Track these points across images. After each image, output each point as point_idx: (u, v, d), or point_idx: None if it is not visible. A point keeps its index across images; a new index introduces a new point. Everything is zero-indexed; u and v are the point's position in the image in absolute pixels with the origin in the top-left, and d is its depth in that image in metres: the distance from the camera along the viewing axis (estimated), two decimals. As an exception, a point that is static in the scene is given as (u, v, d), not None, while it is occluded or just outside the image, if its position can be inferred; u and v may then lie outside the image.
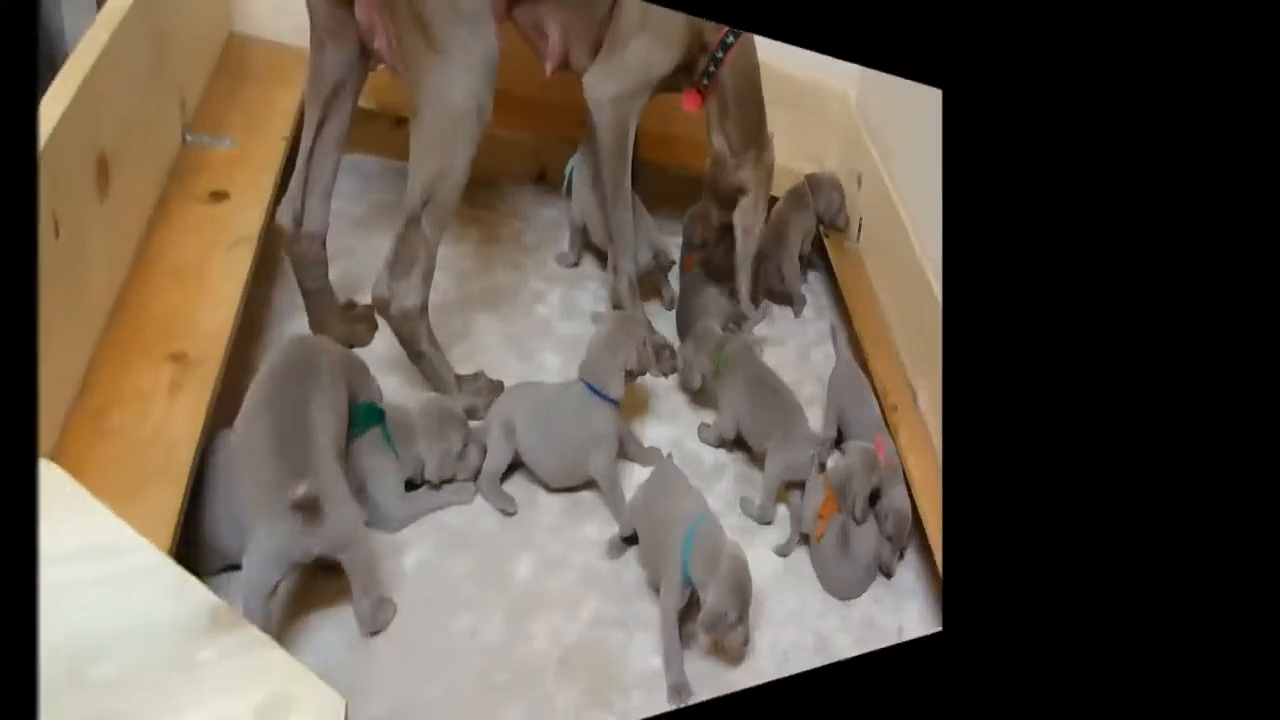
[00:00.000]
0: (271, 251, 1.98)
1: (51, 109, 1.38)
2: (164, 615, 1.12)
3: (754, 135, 2.32)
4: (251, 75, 2.15)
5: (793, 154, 2.81)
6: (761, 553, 2.02)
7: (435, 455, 1.79)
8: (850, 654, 1.93)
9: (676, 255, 2.55)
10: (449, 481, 1.86)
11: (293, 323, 1.97)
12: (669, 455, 1.99)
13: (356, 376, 1.74)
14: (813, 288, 2.83)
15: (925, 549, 2.13)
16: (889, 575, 2.12)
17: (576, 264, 2.47)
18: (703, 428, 2.23)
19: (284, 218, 1.87)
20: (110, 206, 1.56)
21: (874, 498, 2.10)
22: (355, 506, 1.55)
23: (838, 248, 2.80)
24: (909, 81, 2.23)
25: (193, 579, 1.15)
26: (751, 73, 2.28)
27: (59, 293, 1.37)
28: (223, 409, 1.56)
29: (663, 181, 2.61)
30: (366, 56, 1.87)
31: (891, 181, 2.62)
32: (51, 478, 1.19)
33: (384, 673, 1.58)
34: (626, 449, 2.06)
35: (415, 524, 1.80)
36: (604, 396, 1.94)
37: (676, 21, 2.13)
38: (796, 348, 2.60)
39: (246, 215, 1.82)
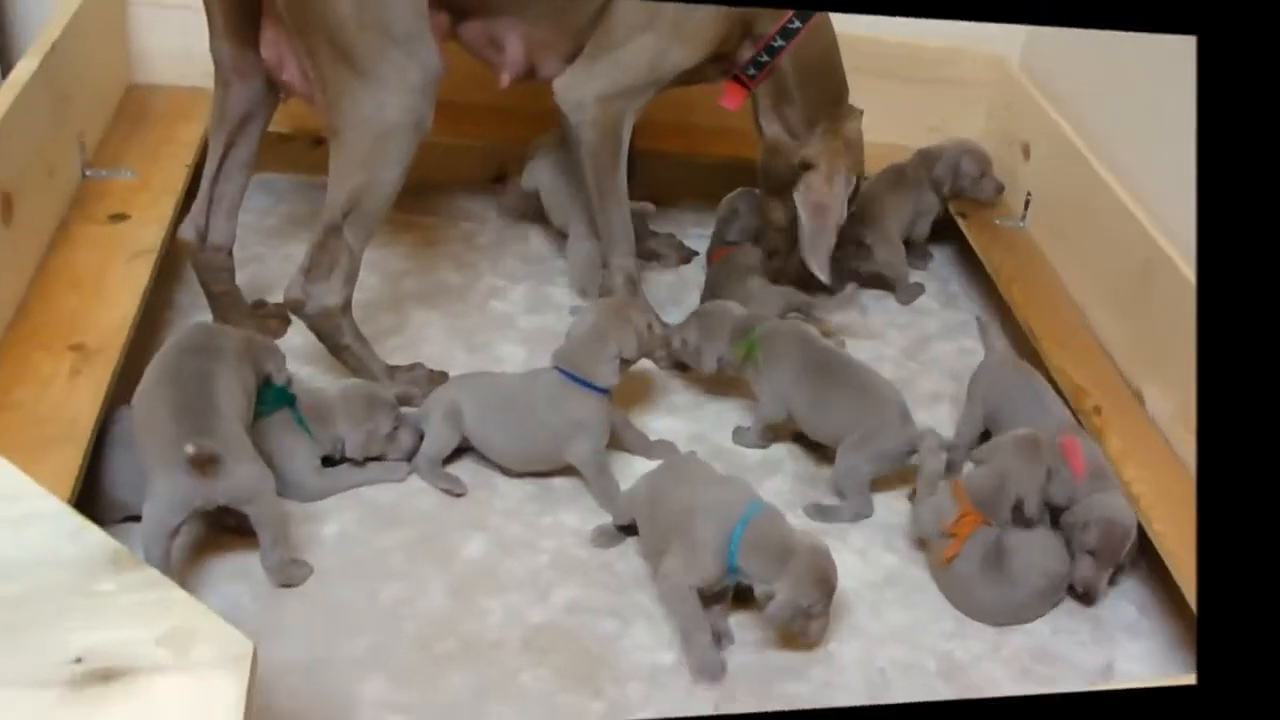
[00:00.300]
0: (175, 264, 2.15)
1: (-41, 160, 1.65)
2: (65, 553, 1.22)
3: (823, 112, 2.24)
4: (152, 116, 2.36)
5: (917, 128, 2.75)
6: (844, 557, 1.82)
7: (359, 434, 1.85)
8: (1007, 689, 1.73)
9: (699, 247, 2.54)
10: (376, 459, 1.90)
11: (197, 318, 2.08)
12: (692, 453, 1.93)
13: (263, 356, 1.82)
14: (938, 273, 2.69)
15: (1155, 576, 1.91)
16: (1089, 600, 1.86)
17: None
18: (739, 431, 2.11)
19: (186, 233, 2.01)
20: (14, 231, 1.81)
21: (1053, 507, 1.91)
22: (260, 464, 1.66)
23: (981, 228, 2.61)
24: (1102, 33, 2.22)
25: (93, 526, 1.25)
26: (822, 56, 2.22)
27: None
28: (123, 391, 1.74)
29: (684, 170, 2.63)
30: (275, 90, 1.97)
31: (1090, 148, 2.44)
32: None
33: (297, 627, 1.64)
34: (623, 439, 2.02)
35: (338, 498, 1.84)
36: (587, 384, 1.91)
37: (702, 19, 2.09)
38: (907, 340, 2.44)
39: (146, 231, 2.02)
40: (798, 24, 2.14)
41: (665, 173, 2.56)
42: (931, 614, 1.84)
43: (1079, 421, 2.04)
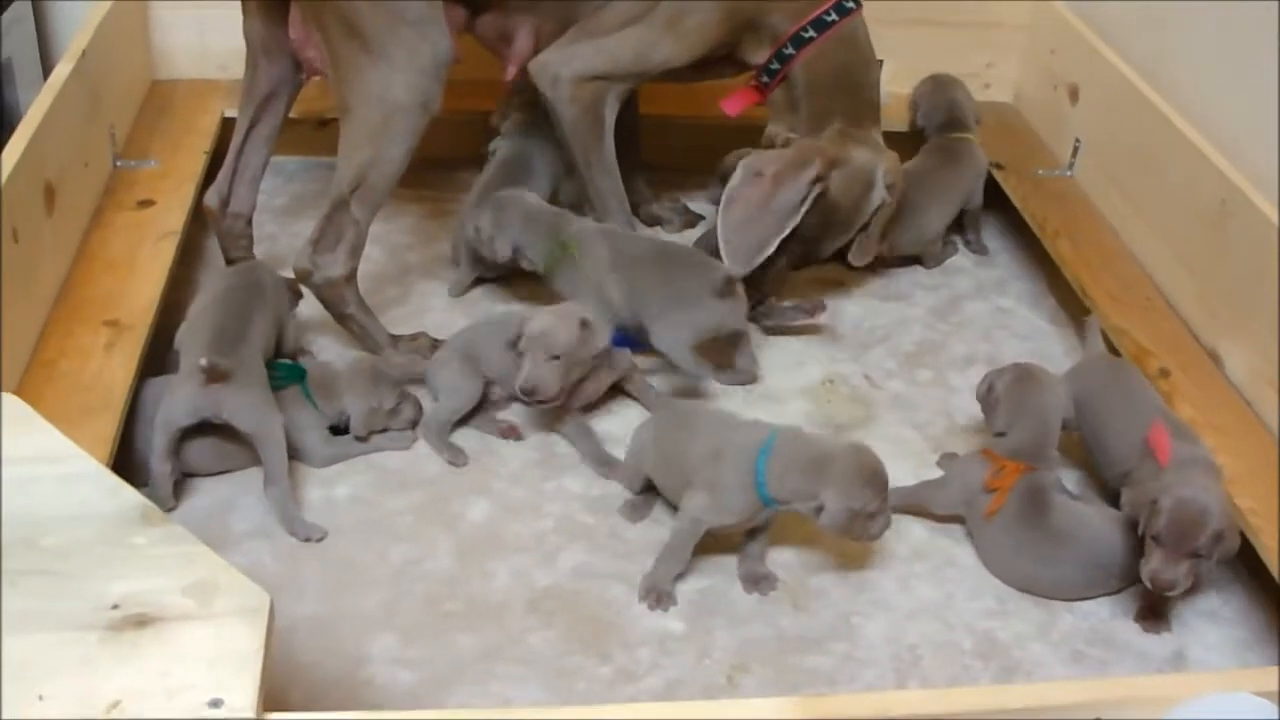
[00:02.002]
0: (196, 242, 2.31)
1: (10, 155, 1.81)
2: (102, 508, 1.32)
3: (836, 126, 2.17)
4: (174, 108, 2.51)
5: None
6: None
7: (362, 410, 1.93)
8: (1056, 673, 1.64)
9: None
10: (380, 433, 1.96)
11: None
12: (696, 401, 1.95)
13: (284, 300, 2.00)
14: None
15: (1241, 557, 1.72)
16: (1162, 598, 1.69)
17: (464, 293, 2.34)
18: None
19: (211, 200, 2.14)
20: (56, 219, 1.95)
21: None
22: (268, 396, 1.80)
23: (1020, 179, 2.50)
24: None
25: (127, 485, 1.35)
26: (840, 71, 2.17)
27: (17, 283, 1.77)
28: (151, 363, 1.90)
29: (690, 135, 2.60)
30: (299, 70, 2.07)
31: (1150, 84, 2.30)
32: (13, 406, 1.44)
33: (312, 583, 1.72)
34: (631, 385, 2.07)
35: (350, 463, 1.91)
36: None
37: (700, 21, 2.11)
38: (936, 300, 2.40)
39: (170, 215, 2.17)
40: (812, 33, 2.14)
41: (671, 138, 2.58)
42: (968, 591, 1.78)
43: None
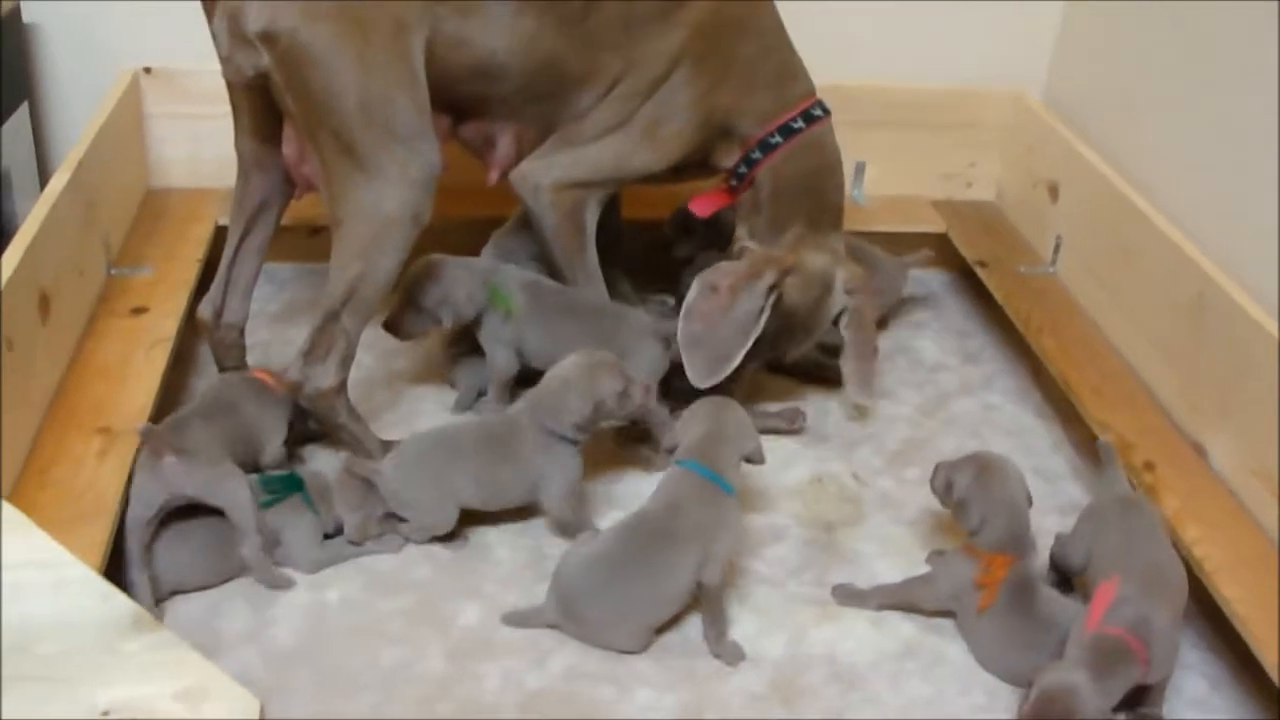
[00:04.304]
0: (190, 349, 2.33)
1: (7, 264, 1.84)
2: (95, 614, 1.35)
3: (794, 232, 2.22)
4: (167, 217, 2.55)
5: (931, 177, 2.79)
6: (857, 626, 1.88)
7: (355, 519, 1.94)
8: None
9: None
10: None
11: None
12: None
13: (271, 410, 2.03)
14: (955, 327, 2.68)
15: (1229, 646, 1.83)
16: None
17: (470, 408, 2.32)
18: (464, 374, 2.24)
19: (204, 312, 2.16)
20: (51, 327, 1.98)
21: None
22: (231, 468, 1.84)
23: (1002, 277, 2.55)
24: (1130, 58, 2.18)
25: (119, 591, 1.39)
26: (805, 176, 2.22)
27: (12, 390, 1.79)
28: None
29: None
30: (290, 183, 2.10)
31: (1127, 181, 2.37)
32: (7, 512, 1.46)
33: (302, 688, 1.72)
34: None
35: (340, 566, 1.93)
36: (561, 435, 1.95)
37: (676, 129, 2.18)
38: (923, 398, 2.44)
39: (163, 323, 2.19)
40: (779, 139, 2.21)
41: (654, 241, 2.62)
42: (958, 686, 1.79)
43: (1131, 485, 1.95)
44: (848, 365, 2.21)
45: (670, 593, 1.82)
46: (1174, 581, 1.75)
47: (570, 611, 1.81)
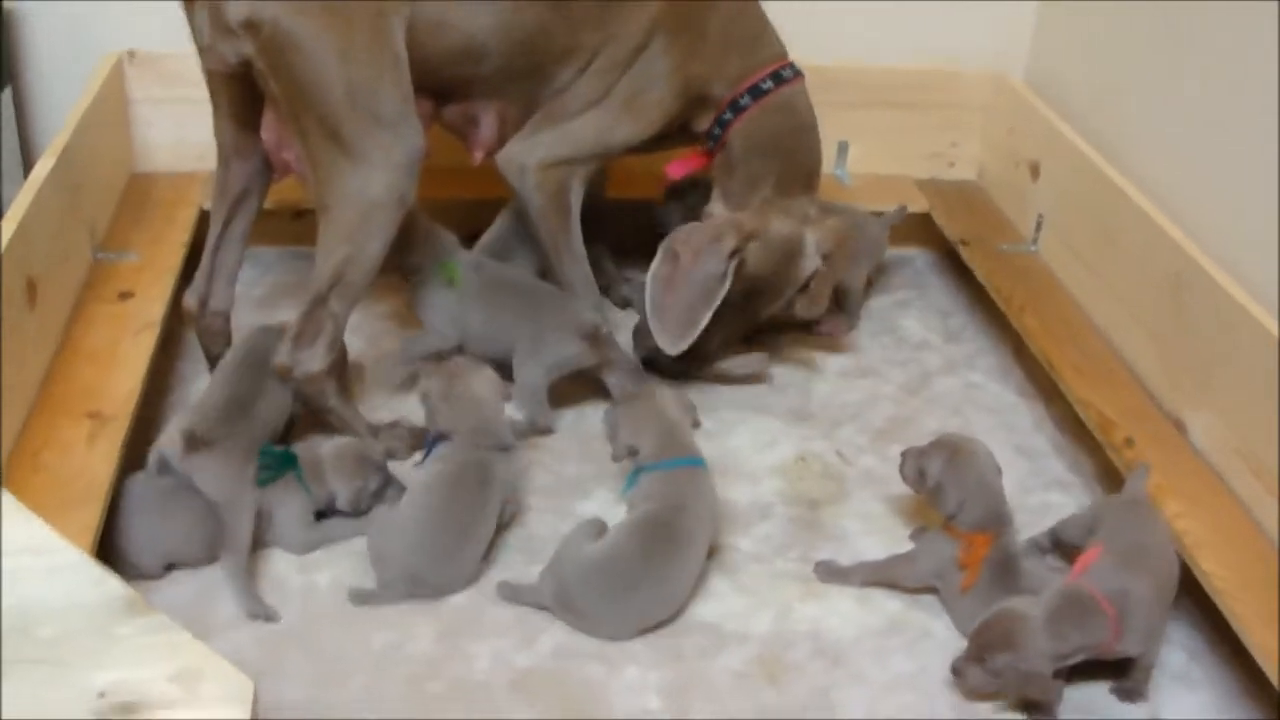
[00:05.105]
0: (176, 333, 2.33)
1: (-7, 252, 1.85)
2: (89, 598, 1.35)
3: (766, 191, 2.28)
4: (152, 202, 2.55)
5: (916, 157, 2.83)
6: (843, 604, 1.90)
7: (349, 491, 1.95)
8: None
9: None
10: (364, 513, 1.97)
11: (196, 386, 2.24)
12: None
13: None
14: (938, 305, 2.71)
15: (1207, 619, 1.85)
16: (961, 686, 1.72)
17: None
18: (408, 342, 2.25)
19: (190, 301, 2.17)
20: (38, 313, 1.99)
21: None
22: (246, 474, 1.87)
23: (985, 255, 2.57)
24: (1111, 37, 2.22)
25: (112, 575, 1.37)
26: (776, 137, 2.27)
27: (2, 375, 1.81)
28: (133, 454, 1.93)
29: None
30: (270, 168, 2.12)
31: (1108, 159, 2.39)
32: (5, 499, 1.44)
33: (295, 669, 1.73)
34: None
35: (331, 549, 1.94)
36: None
37: (654, 98, 2.22)
38: (907, 376, 2.46)
39: (150, 307, 2.20)
40: (748, 100, 2.26)
41: (638, 219, 2.63)
42: (943, 662, 1.77)
43: (1111, 459, 2.02)
44: (800, 303, 2.31)
45: (680, 594, 1.86)
46: (1164, 567, 1.77)
47: (571, 606, 1.83)
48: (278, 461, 1.96)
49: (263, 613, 1.83)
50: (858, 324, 2.61)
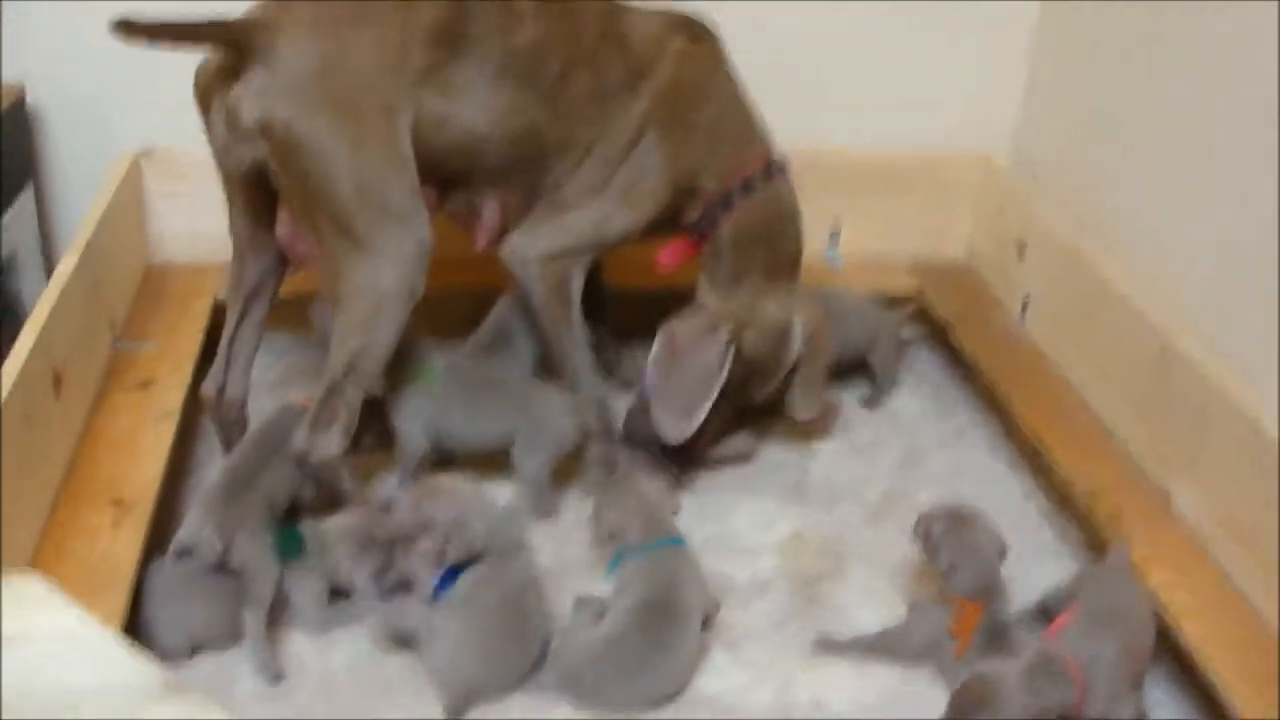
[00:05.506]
0: (194, 419, 2.41)
1: (22, 345, 1.93)
2: (124, 680, 1.37)
3: (753, 279, 2.35)
4: (169, 292, 2.64)
5: (906, 239, 2.89)
6: (838, 675, 1.95)
7: (361, 577, 1.98)
8: None
9: None
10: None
11: (213, 470, 2.25)
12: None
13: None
14: (931, 380, 2.78)
15: (1193, 686, 1.90)
16: None
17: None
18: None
19: (208, 389, 2.25)
20: (63, 403, 2.06)
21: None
22: (265, 537, 1.96)
23: (974, 334, 2.66)
24: (1094, 119, 2.29)
25: (145, 657, 1.40)
26: (763, 225, 2.34)
27: (30, 465, 1.88)
28: (156, 538, 1.99)
29: (657, 304, 2.62)
30: (284, 261, 2.19)
31: (1090, 240, 2.48)
32: (38, 584, 1.46)
33: None
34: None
35: (347, 628, 1.99)
36: None
37: (649, 188, 2.28)
38: (899, 452, 2.53)
39: (169, 396, 2.28)
40: (740, 193, 2.32)
41: (638, 308, 2.67)
42: None
43: (1095, 532, 2.09)
44: (793, 387, 2.36)
45: (685, 669, 1.93)
46: (1135, 632, 1.84)
47: (581, 688, 1.88)
48: (285, 540, 2.02)
49: (272, 675, 1.90)
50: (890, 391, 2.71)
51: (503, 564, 1.96)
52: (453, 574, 1.95)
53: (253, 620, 1.93)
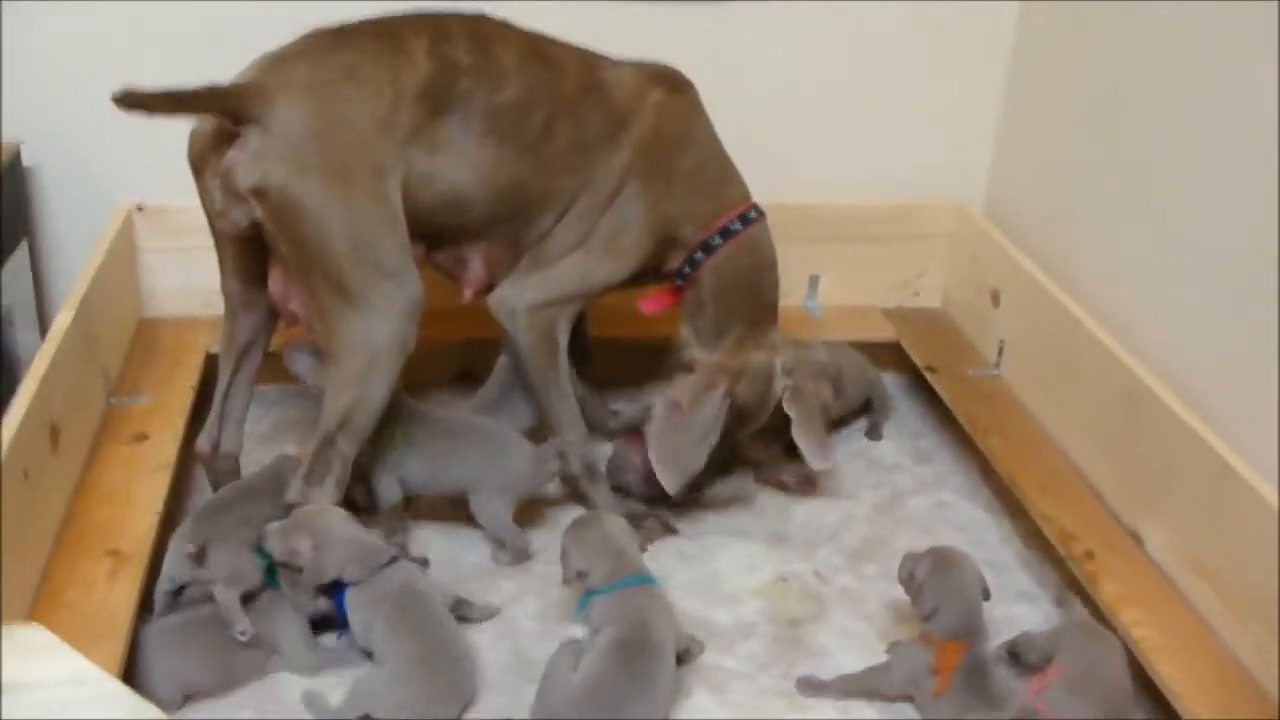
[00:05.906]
0: (188, 472, 2.45)
1: (21, 401, 1.98)
2: None
3: (736, 329, 2.39)
4: (161, 346, 2.69)
5: (883, 288, 2.96)
6: (823, 714, 1.98)
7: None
8: None
9: None
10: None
11: None
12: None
13: None
14: (909, 428, 2.82)
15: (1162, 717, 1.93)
16: None
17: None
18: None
19: (203, 444, 2.30)
20: (60, 457, 2.11)
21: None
22: (244, 560, 2.02)
23: (951, 380, 2.70)
24: (1064, 170, 2.36)
25: (148, 703, 1.48)
26: (744, 274, 2.39)
27: (29, 518, 1.93)
28: (151, 588, 2.04)
29: (639, 353, 2.70)
30: (275, 317, 2.24)
31: (1062, 287, 2.52)
32: (40, 634, 1.55)
33: None
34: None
35: (339, 673, 2.01)
36: None
37: (632, 239, 2.32)
38: (879, 498, 2.57)
39: (163, 449, 2.32)
40: (719, 240, 2.38)
41: (621, 356, 2.75)
42: None
43: (1072, 572, 2.12)
44: (798, 437, 2.38)
45: (664, 703, 1.95)
46: (1113, 696, 1.88)
47: None
48: (271, 570, 2.06)
49: (241, 626, 1.99)
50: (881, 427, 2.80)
51: (381, 581, 2.01)
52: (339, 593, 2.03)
53: (222, 594, 2.00)
